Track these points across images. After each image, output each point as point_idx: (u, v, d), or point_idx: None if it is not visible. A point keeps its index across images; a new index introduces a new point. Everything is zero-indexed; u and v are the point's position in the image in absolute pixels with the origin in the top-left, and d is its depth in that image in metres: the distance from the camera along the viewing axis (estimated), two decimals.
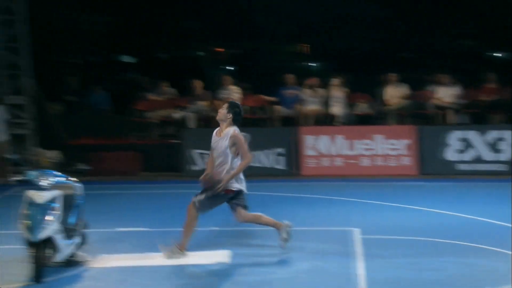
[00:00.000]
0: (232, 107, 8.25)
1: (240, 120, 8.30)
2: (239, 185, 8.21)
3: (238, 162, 8.17)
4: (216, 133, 8.29)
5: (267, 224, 8.46)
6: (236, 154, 8.16)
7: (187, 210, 8.16)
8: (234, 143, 8.09)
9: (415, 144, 14.53)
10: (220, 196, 8.14)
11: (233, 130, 8.14)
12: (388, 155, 14.60)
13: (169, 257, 8.10)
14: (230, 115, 8.19)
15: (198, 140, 14.90)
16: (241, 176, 8.25)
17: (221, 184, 8.01)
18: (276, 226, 8.42)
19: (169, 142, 15.70)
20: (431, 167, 14.41)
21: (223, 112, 8.23)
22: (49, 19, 22.21)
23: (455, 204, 11.22)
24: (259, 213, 8.43)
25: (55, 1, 22.68)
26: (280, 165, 14.72)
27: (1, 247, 8.66)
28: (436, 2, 22.78)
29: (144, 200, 12.58)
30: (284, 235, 8.35)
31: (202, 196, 8.13)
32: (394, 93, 15.65)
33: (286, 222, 8.44)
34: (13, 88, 15.77)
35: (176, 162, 15.01)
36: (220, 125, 8.25)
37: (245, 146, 8.16)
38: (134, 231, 9.73)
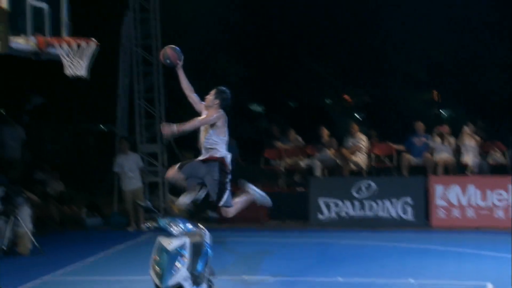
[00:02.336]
0: (220, 93, 8.32)
1: (227, 105, 8.34)
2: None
3: (224, 140, 8.30)
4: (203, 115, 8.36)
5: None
6: (223, 133, 8.24)
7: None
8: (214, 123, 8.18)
9: None
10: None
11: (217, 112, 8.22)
12: None
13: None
14: (217, 101, 8.26)
15: (324, 188, 14.91)
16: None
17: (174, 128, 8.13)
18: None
19: (296, 190, 15.76)
20: None
21: (210, 98, 8.30)
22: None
23: None
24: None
25: (187, 52, 23.62)
26: (408, 215, 14.40)
27: None
28: None
29: (271, 248, 12.64)
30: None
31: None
32: None
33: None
34: (148, 137, 16.46)
35: (302, 211, 15.02)
36: (208, 110, 8.30)
37: (209, 117, 8.19)
38: (260, 279, 9.79)
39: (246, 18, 24.48)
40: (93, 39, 8.52)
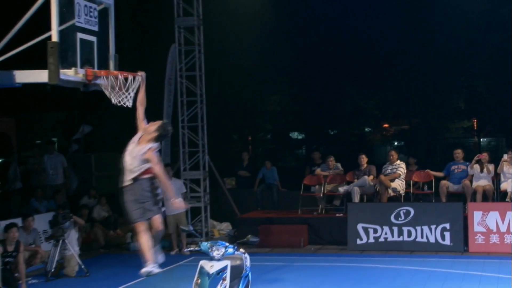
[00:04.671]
0: (162, 127, 8.57)
1: (163, 140, 8.69)
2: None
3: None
4: (137, 140, 8.57)
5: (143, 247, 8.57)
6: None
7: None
8: (148, 160, 8.40)
9: None
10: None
11: (150, 147, 8.45)
12: None
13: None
14: (155, 134, 8.49)
15: (363, 214, 15.07)
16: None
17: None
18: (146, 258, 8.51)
19: (334, 216, 15.96)
20: None
21: (151, 129, 8.52)
22: (223, 98, 23.59)
23: None
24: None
25: (229, 82, 24.10)
26: (446, 240, 14.47)
27: None
28: None
29: (308, 272, 12.86)
30: (148, 270, 8.49)
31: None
32: None
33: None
34: (191, 164, 16.88)
35: (341, 236, 15.22)
36: (144, 136, 8.54)
37: (157, 162, 8.42)
38: None
39: (287, 49, 24.81)
40: (139, 72, 8.91)
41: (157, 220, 8.65)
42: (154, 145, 8.55)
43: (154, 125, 8.61)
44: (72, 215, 13.34)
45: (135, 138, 8.66)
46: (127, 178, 8.58)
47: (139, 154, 8.48)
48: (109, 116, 21.93)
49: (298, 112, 26.92)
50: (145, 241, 8.58)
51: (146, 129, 8.62)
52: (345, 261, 13.76)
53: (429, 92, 24.82)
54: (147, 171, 8.53)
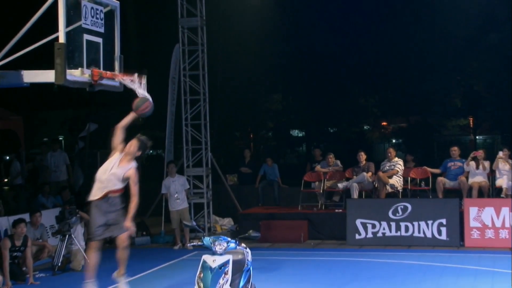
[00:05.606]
0: (143, 144, 8.87)
1: (142, 158, 8.91)
2: None
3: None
4: (118, 161, 8.82)
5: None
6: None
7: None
8: (126, 179, 8.68)
9: None
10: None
11: (133, 166, 8.76)
12: None
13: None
14: (140, 152, 8.83)
15: (362, 210, 15.34)
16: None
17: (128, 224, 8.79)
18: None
19: (333, 211, 16.23)
20: None
21: (133, 150, 8.80)
22: (226, 97, 23.85)
23: None
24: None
25: (232, 81, 24.35)
26: (442, 236, 14.75)
27: None
28: None
29: (308, 266, 13.10)
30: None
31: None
32: None
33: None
34: (194, 161, 17.17)
35: (340, 231, 15.49)
36: (124, 156, 8.82)
37: (135, 179, 8.73)
38: None
39: (289, 49, 25.03)
40: (143, 76, 9.15)
41: (122, 236, 9.04)
42: (135, 164, 8.85)
43: (134, 145, 8.90)
44: (78, 210, 13.56)
45: (115, 160, 8.91)
46: (97, 193, 8.91)
47: (121, 173, 8.78)
48: (114, 114, 22.15)
49: (299, 110, 27.12)
50: (92, 259, 9.10)
51: (127, 152, 8.90)
52: (344, 255, 13.98)
53: (426, 91, 25.00)
54: (117, 190, 8.85)
